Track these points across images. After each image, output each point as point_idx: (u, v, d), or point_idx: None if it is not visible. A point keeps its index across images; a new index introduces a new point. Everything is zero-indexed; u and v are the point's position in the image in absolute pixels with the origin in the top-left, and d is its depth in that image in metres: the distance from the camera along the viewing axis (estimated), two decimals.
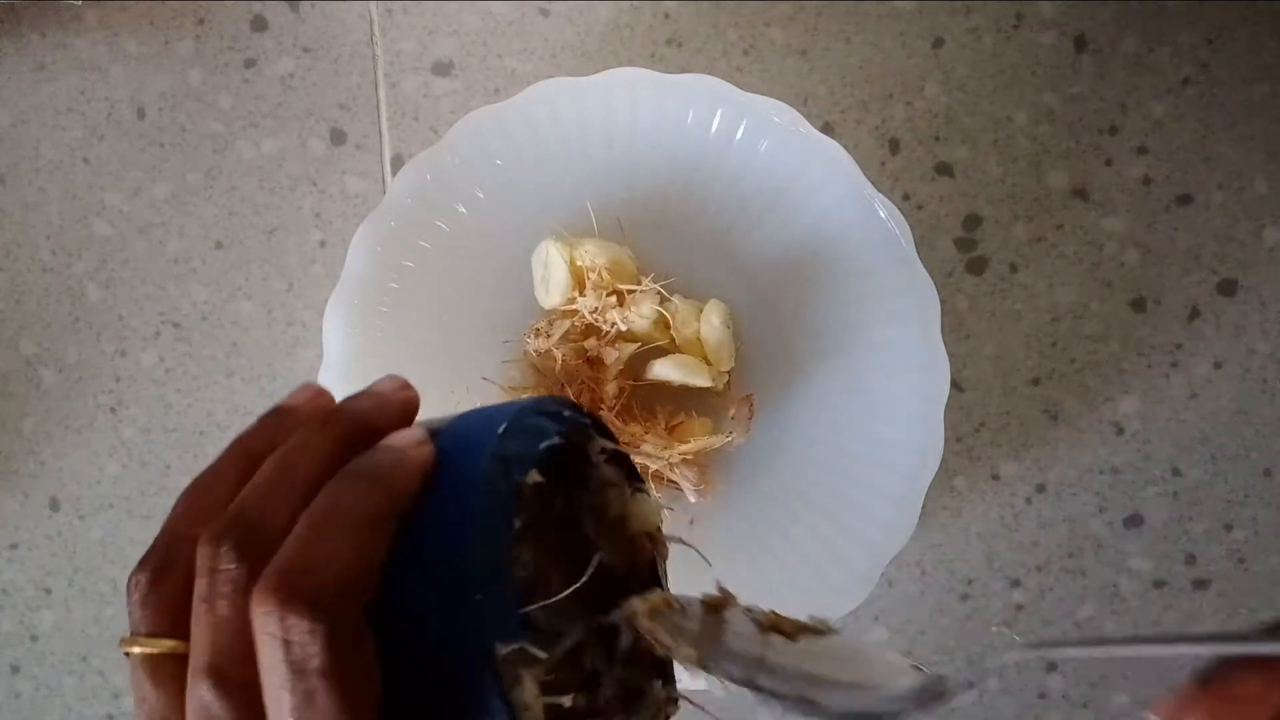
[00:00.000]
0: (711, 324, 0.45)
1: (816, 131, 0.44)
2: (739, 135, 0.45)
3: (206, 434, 0.52)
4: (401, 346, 0.46)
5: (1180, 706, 0.25)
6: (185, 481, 0.27)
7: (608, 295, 0.44)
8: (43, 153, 0.51)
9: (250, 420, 0.28)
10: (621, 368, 0.45)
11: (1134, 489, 0.50)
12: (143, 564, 0.26)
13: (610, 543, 0.28)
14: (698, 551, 0.31)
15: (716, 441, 0.44)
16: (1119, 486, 0.50)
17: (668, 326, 0.45)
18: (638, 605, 0.26)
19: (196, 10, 0.51)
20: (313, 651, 0.23)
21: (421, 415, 0.29)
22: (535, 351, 0.45)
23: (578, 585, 0.25)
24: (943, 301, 0.44)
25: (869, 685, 0.25)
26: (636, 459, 0.44)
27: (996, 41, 0.50)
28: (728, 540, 0.46)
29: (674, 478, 0.45)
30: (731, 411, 0.46)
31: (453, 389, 0.46)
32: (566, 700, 0.24)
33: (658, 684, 0.28)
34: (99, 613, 0.52)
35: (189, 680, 0.24)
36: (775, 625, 0.26)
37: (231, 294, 0.51)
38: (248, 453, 0.27)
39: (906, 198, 0.50)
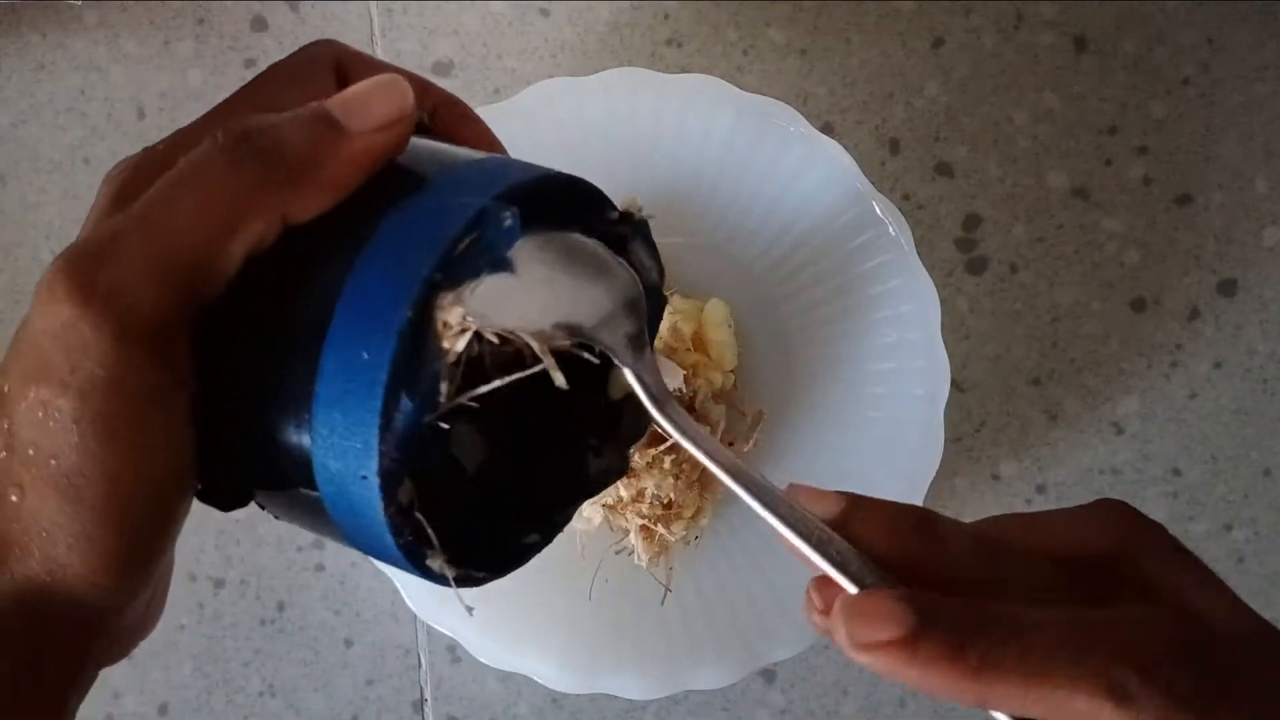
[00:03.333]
0: (713, 324, 0.45)
1: (816, 131, 0.44)
2: (739, 135, 0.45)
3: None
4: None
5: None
6: None
7: None
8: (43, 153, 0.51)
9: None
10: None
11: (1134, 489, 0.50)
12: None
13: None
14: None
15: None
16: (1119, 486, 0.50)
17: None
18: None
19: (196, 10, 0.51)
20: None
21: None
22: None
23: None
24: (943, 301, 0.44)
25: None
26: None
27: (996, 41, 0.50)
28: (729, 540, 0.46)
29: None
30: (743, 410, 0.46)
31: None
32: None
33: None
34: None
35: None
36: None
37: None
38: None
39: (906, 198, 0.50)
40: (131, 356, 0.21)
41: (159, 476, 0.22)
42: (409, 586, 0.45)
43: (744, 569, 0.45)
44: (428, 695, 0.50)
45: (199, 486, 0.24)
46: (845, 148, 0.43)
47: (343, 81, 0.26)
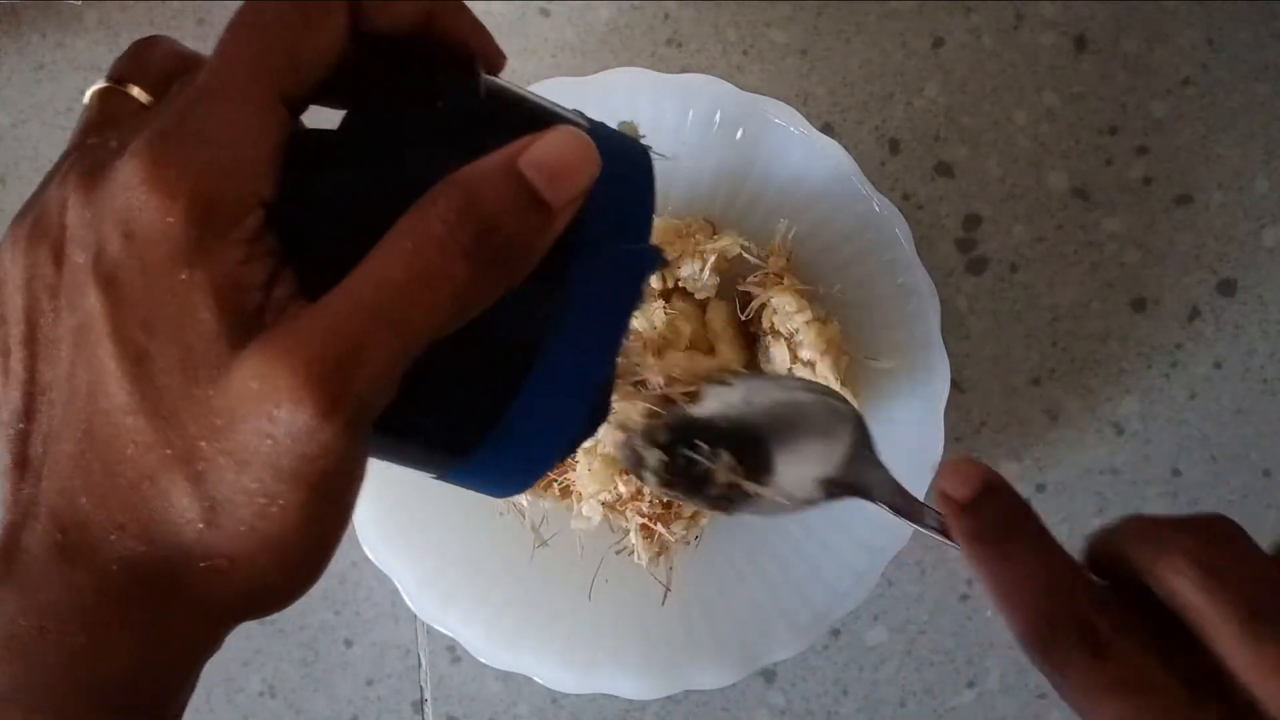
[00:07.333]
0: (714, 324, 0.45)
1: (816, 131, 0.44)
2: (739, 135, 0.45)
3: None
4: None
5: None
6: None
7: None
8: (43, 153, 0.51)
9: None
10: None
11: (1134, 489, 0.50)
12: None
13: None
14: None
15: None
16: (1119, 486, 0.50)
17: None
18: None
19: (196, 10, 0.51)
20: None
21: None
22: None
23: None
24: (943, 301, 0.44)
25: None
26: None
27: (996, 41, 0.50)
28: (729, 540, 0.46)
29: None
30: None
31: None
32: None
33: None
34: None
35: None
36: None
37: None
38: None
39: (906, 198, 0.50)
40: (361, 453, 0.22)
41: (345, 523, 0.24)
42: (409, 587, 0.45)
43: (744, 569, 0.45)
44: (428, 695, 0.50)
45: None
46: (845, 148, 0.43)
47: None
